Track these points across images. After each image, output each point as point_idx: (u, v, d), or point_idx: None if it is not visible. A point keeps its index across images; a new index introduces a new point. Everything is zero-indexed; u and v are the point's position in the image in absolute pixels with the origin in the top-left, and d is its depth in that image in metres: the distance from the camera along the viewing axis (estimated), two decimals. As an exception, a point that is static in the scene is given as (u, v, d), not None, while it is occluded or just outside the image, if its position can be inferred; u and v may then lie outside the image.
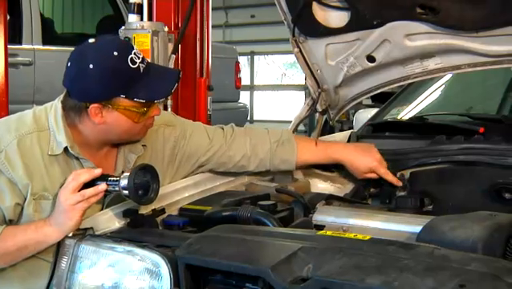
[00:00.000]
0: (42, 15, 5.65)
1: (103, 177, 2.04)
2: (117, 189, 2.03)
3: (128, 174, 2.02)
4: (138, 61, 2.11)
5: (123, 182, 2.01)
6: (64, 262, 2.02)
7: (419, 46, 2.56)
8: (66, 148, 2.16)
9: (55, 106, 2.20)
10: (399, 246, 1.67)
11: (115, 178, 2.04)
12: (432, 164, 2.59)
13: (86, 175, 2.03)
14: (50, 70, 5.25)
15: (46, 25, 5.73)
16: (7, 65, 3.79)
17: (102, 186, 2.02)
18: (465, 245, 1.70)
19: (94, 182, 2.03)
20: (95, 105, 2.11)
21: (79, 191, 2.01)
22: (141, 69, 2.12)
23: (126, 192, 2.02)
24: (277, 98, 14.84)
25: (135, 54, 2.12)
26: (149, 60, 2.46)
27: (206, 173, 2.52)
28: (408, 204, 2.39)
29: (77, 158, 2.19)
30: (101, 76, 2.08)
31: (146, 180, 2.06)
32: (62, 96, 2.21)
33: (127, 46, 2.19)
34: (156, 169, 2.11)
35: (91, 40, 2.17)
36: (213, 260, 1.74)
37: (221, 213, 2.14)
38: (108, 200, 2.19)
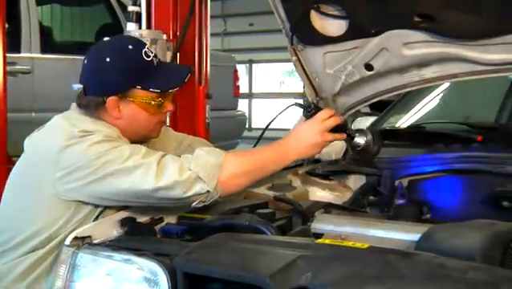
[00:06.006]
0: (40, 23, 5.65)
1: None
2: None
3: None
4: (151, 55, 2.24)
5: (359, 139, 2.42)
6: (62, 271, 2.02)
7: (417, 54, 2.57)
8: None
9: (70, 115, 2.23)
10: (398, 255, 1.66)
11: (351, 131, 2.43)
12: (430, 173, 2.59)
13: (338, 120, 2.28)
14: (49, 78, 5.27)
15: (45, 33, 5.72)
16: (6, 73, 3.80)
17: (343, 135, 2.33)
18: (463, 253, 1.70)
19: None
20: (113, 98, 2.19)
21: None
22: (154, 62, 2.24)
23: (362, 141, 2.42)
24: (275, 106, 14.81)
25: (148, 48, 2.24)
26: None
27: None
28: (406, 212, 2.40)
29: None
30: (117, 68, 2.17)
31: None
32: (72, 108, 2.26)
33: (140, 41, 2.33)
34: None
35: (106, 38, 2.29)
36: (212, 268, 1.74)
37: (220, 221, 2.14)
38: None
